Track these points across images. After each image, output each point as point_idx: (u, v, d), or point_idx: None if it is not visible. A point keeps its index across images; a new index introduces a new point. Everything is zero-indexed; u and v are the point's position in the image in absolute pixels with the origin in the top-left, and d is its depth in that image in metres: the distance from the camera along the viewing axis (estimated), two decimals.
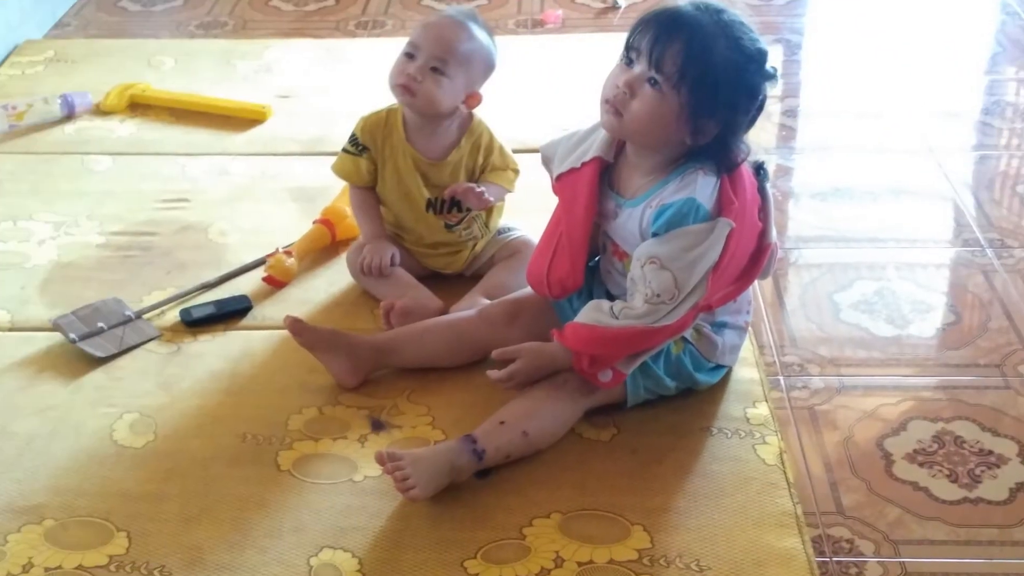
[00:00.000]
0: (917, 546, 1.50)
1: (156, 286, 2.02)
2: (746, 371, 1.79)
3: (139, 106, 2.65)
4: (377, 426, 1.70)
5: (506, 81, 2.06)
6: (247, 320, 1.94)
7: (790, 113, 2.67)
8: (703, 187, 1.55)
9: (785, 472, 1.60)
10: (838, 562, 1.47)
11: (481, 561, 1.46)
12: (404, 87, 1.84)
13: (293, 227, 2.14)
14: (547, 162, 1.78)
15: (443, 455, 1.55)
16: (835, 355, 1.86)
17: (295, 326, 1.75)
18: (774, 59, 1.93)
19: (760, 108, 1.58)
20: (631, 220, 1.62)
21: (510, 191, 1.97)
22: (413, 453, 1.54)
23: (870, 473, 1.62)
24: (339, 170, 1.97)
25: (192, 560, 1.47)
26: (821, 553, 1.48)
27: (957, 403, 1.75)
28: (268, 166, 2.41)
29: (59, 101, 2.58)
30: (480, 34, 1.87)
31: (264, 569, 1.46)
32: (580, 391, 1.65)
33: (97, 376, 1.81)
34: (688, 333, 1.68)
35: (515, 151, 1.98)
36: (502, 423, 1.59)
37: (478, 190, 1.87)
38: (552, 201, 1.75)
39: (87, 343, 1.85)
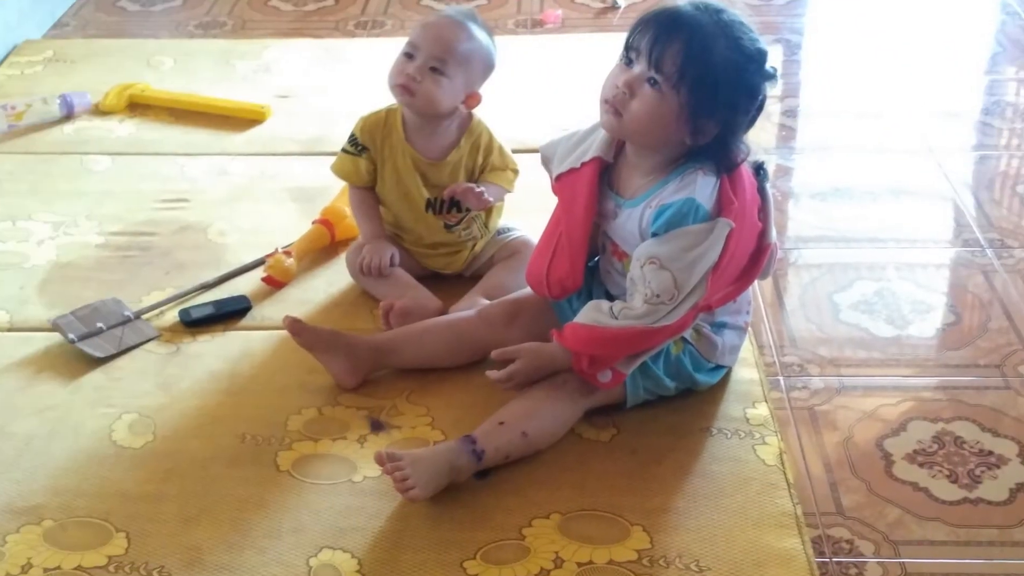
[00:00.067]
0: (917, 546, 1.49)
1: (155, 286, 2.01)
2: (746, 371, 1.79)
3: (138, 106, 2.64)
4: (376, 426, 1.69)
5: (506, 81, 2.06)
6: (246, 320, 1.93)
7: (790, 113, 2.67)
8: (703, 187, 1.55)
9: (785, 472, 1.60)
10: (838, 563, 1.47)
11: (480, 562, 1.46)
12: (403, 87, 1.84)
13: (292, 227, 2.14)
14: (546, 162, 1.78)
15: (442, 455, 1.54)
16: (835, 355, 1.86)
17: (294, 326, 1.75)
18: (774, 59, 1.93)
19: (760, 108, 1.58)
20: (631, 220, 1.62)
21: (509, 191, 1.97)
22: (412, 453, 1.54)
23: (870, 473, 1.61)
24: (338, 170, 1.96)
25: (191, 561, 1.47)
26: (821, 554, 1.48)
27: (957, 403, 1.75)
28: (267, 166, 2.41)
29: (58, 101, 2.58)
30: (479, 34, 1.87)
31: (263, 569, 1.45)
32: (580, 391, 1.65)
33: (96, 376, 1.81)
34: (688, 333, 1.68)
35: (514, 151, 1.98)
36: (501, 423, 1.59)
37: (477, 190, 1.87)
38: (551, 201, 1.75)
39: (86, 343, 1.85)
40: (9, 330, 1.92)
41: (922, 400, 1.76)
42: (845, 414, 1.73)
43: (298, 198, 2.28)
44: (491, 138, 1.94)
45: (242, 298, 1.97)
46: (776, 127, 2.60)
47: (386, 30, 3.11)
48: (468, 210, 1.93)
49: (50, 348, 1.86)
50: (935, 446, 1.66)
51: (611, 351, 1.60)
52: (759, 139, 2.47)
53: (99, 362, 1.83)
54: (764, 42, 1.56)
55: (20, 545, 1.49)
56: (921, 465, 1.63)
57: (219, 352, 1.86)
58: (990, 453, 1.65)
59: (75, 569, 1.46)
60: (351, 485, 1.59)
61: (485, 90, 1.91)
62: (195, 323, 1.91)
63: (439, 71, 1.83)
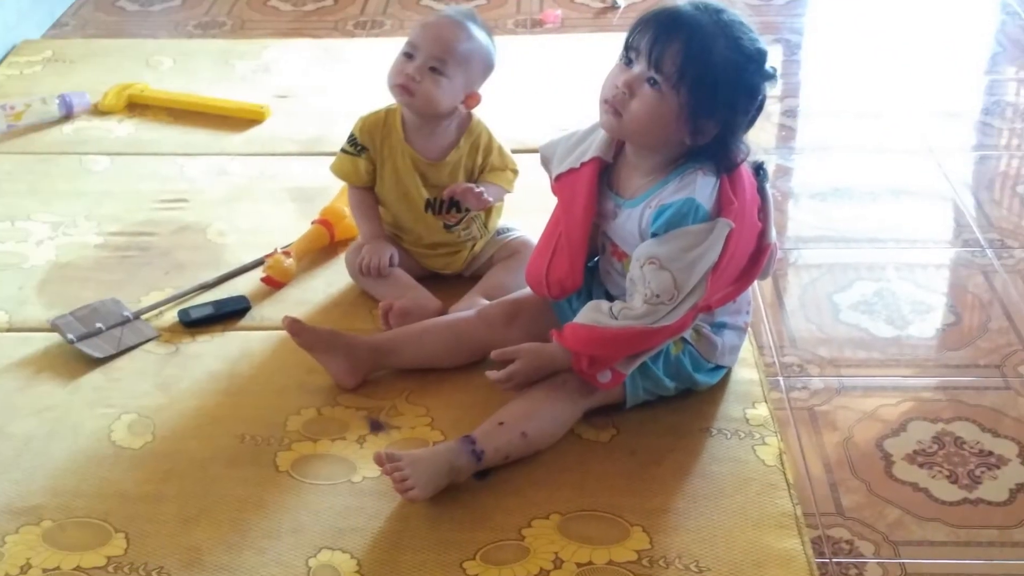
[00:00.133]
0: (917, 547, 1.49)
1: (154, 286, 2.01)
2: (745, 372, 1.78)
3: (137, 106, 2.64)
4: (376, 427, 1.69)
5: (505, 81, 2.06)
6: (245, 321, 1.93)
7: (790, 113, 2.67)
8: (702, 187, 1.55)
9: (785, 473, 1.59)
10: (838, 563, 1.47)
11: (480, 562, 1.46)
12: (403, 87, 1.83)
13: (292, 227, 2.14)
14: (546, 162, 1.78)
15: (442, 456, 1.54)
16: (835, 356, 1.86)
17: (294, 326, 1.74)
18: (774, 59, 1.92)
19: (760, 108, 1.58)
20: (630, 220, 1.62)
21: (509, 191, 1.97)
22: (412, 454, 1.54)
23: (870, 474, 1.61)
24: (338, 170, 1.96)
25: (191, 561, 1.47)
26: (821, 554, 1.48)
27: (957, 404, 1.75)
28: (266, 166, 2.41)
29: (57, 101, 2.58)
30: (479, 34, 1.87)
31: (263, 570, 1.45)
32: (579, 392, 1.64)
33: (95, 377, 1.80)
34: (687, 334, 1.68)
35: (514, 151, 1.98)
36: (501, 424, 1.59)
37: (477, 190, 1.87)
38: (551, 201, 1.75)
39: (85, 344, 1.84)
40: (8, 330, 1.91)
41: (922, 400, 1.76)
42: (845, 414, 1.73)
43: (297, 198, 2.27)
44: (490, 138, 1.94)
45: (241, 298, 1.97)
46: (776, 127, 2.60)
47: (385, 30, 3.11)
48: (467, 210, 1.93)
49: (49, 348, 1.86)
50: (935, 446, 1.66)
51: (611, 351, 1.60)
52: (759, 139, 2.47)
53: (98, 362, 1.83)
54: (764, 42, 1.56)
55: (19, 546, 1.49)
56: (921, 465, 1.63)
57: (218, 352, 1.85)
58: (990, 453, 1.65)
59: (74, 569, 1.46)
60: (350, 485, 1.58)
61: (485, 90, 1.91)
62: (194, 323, 1.91)
63: (438, 71, 1.82)
